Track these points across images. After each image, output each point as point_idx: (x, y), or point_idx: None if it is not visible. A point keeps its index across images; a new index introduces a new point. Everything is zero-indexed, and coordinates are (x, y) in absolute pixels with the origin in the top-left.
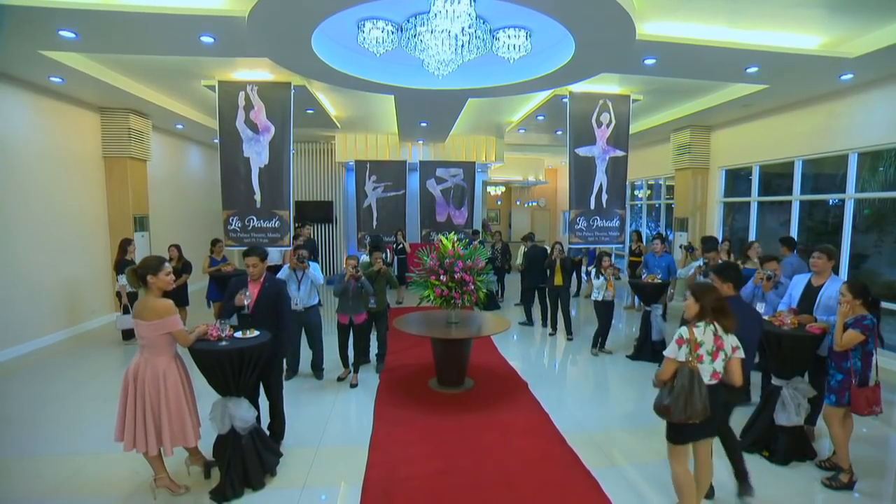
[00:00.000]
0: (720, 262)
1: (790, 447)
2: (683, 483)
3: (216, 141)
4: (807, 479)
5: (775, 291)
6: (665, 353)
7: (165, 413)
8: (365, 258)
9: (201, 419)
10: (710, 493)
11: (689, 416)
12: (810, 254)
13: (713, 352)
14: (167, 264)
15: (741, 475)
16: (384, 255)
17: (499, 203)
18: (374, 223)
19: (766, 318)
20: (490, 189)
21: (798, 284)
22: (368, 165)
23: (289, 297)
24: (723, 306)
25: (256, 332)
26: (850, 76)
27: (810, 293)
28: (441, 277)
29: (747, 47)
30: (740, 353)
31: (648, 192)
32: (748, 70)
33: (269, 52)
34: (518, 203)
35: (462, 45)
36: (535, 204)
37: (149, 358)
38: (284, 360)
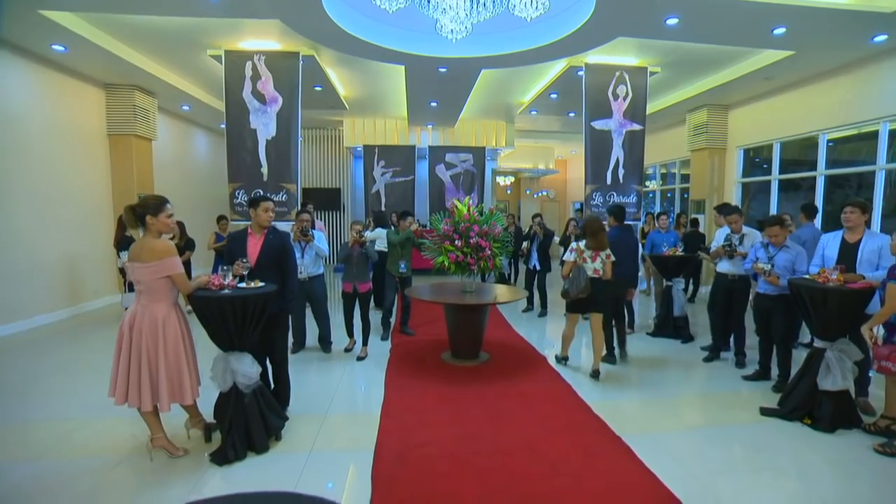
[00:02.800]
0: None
1: (836, 413)
2: (568, 336)
3: (223, 126)
4: (856, 446)
5: (786, 261)
6: (563, 257)
7: (163, 364)
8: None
9: (202, 380)
10: (596, 375)
11: (576, 292)
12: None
13: (592, 256)
14: (168, 206)
15: (621, 343)
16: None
17: (508, 192)
18: (383, 209)
19: (807, 276)
20: (499, 179)
21: (831, 244)
22: (377, 150)
23: (293, 250)
24: (595, 231)
25: (262, 283)
26: (883, 37)
27: (848, 250)
28: (456, 242)
29: (776, 0)
30: (612, 259)
31: (661, 182)
32: (775, 31)
33: (277, 10)
34: (527, 192)
35: (477, 2)
36: (544, 194)
37: (147, 305)
38: (290, 326)
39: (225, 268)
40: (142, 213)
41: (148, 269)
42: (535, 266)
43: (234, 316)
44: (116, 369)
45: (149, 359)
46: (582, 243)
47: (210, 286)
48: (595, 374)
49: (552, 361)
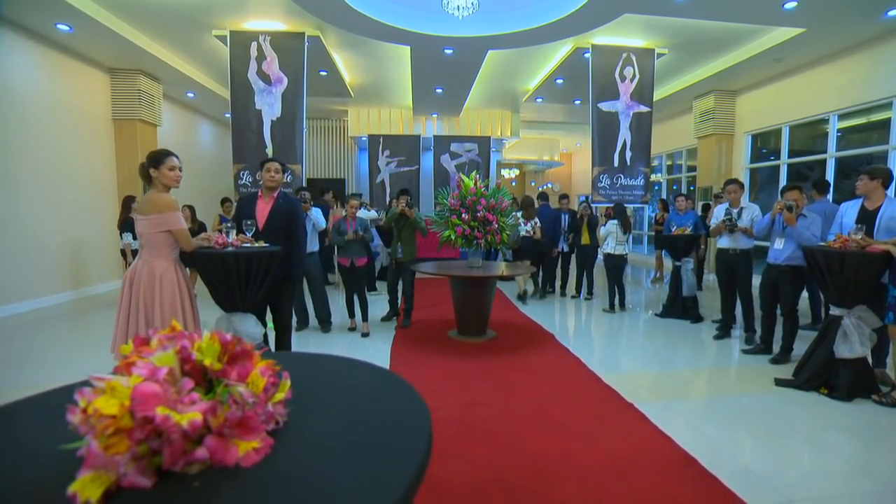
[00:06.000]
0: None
1: (853, 382)
2: (521, 280)
3: (228, 115)
4: (874, 413)
5: (803, 223)
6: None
7: (158, 320)
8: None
9: None
10: (523, 298)
11: (512, 243)
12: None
13: (525, 222)
14: (174, 158)
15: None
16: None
17: (514, 185)
18: (388, 199)
19: (822, 244)
20: (504, 172)
21: (849, 212)
22: (382, 140)
23: (303, 216)
24: (528, 206)
25: (266, 244)
26: None
27: (867, 217)
28: (463, 216)
29: None
30: (539, 224)
31: (668, 176)
32: (786, 6)
33: None
34: (532, 185)
35: None
36: (549, 187)
37: (147, 259)
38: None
39: (229, 224)
40: (147, 166)
41: (147, 221)
42: (562, 249)
43: (237, 274)
44: (117, 326)
45: (146, 313)
46: (520, 213)
47: (214, 245)
48: (521, 297)
49: (560, 339)
